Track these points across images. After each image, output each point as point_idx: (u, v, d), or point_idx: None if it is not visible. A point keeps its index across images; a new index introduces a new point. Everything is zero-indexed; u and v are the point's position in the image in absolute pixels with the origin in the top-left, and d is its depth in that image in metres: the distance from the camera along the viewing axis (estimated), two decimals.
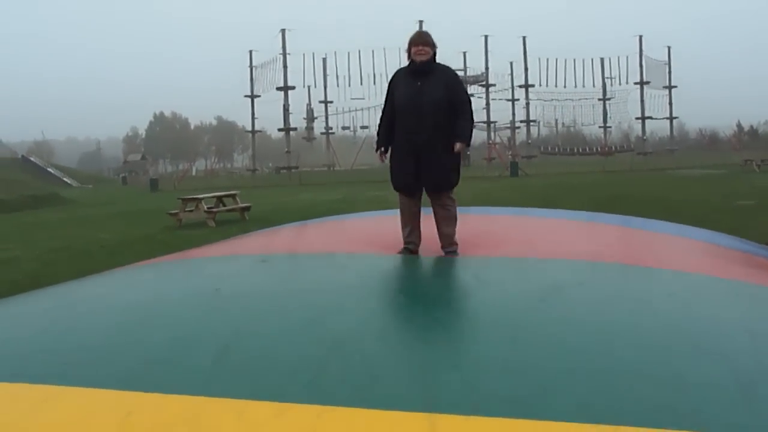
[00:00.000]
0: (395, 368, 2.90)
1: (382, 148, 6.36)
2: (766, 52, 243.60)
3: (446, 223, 6.17)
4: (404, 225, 6.26)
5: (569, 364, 2.83)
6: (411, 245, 6.19)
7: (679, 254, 6.58)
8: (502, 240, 6.75)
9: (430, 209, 6.24)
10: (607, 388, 2.62)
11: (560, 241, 6.93)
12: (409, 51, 6.21)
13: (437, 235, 6.20)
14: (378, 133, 6.44)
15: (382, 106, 6.43)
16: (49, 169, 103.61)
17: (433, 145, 6.01)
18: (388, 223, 6.44)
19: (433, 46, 6.20)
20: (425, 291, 4.83)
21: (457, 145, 6.09)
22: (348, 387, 2.67)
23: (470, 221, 6.99)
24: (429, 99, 6.01)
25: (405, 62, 6.33)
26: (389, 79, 6.47)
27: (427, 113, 5.99)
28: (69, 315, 4.25)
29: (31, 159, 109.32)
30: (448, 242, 6.13)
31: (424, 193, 6.24)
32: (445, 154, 6.08)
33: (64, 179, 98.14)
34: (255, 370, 2.84)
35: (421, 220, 6.24)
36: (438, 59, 6.24)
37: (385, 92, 6.42)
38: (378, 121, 6.53)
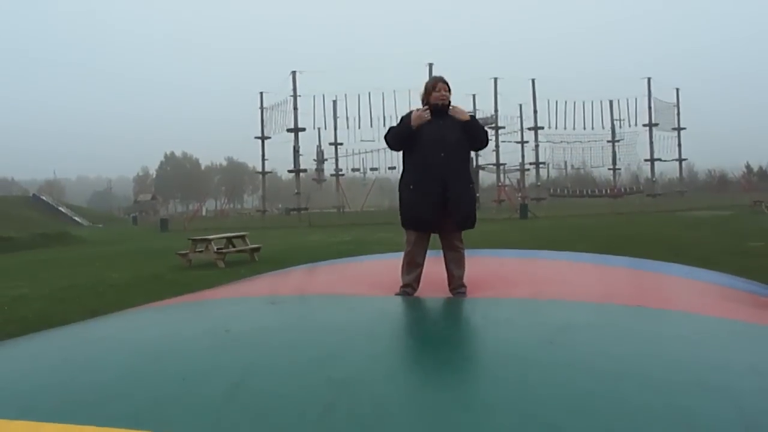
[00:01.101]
0: (404, 410, 2.90)
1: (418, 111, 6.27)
2: None
3: (457, 264, 6.20)
4: (409, 268, 6.24)
5: (579, 406, 2.83)
6: (409, 289, 6.19)
7: (688, 296, 6.57)
8: (511, 282, 6.75)
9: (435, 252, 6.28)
10: (613, 428, 2.62)
11: (569, 282, 6.93)
12: (428, 94, 6.29)
13: (445, 276, 6.22)
14: (391, 135, 6.40)
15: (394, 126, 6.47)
16: (60, 208, 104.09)
17: (457, 181, 6.10)
18: (396, 265, 6.44)
19: (450, 92, 6.33)
20: (435, 332, 4.81)
21: (466, 112, 6.35)
22: (356, 428, 2.67)
23: (480, 263, 7.01)
24: (453, 137, 6.14)
25: (415, 105, 6.40)
26: (402, 116, 6.48)
27: (452, 150, 6.11)
28: (80, 354, 4.26)
29: (42, 197, 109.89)
30: (459, 284, 6.15)
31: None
32: (469, 192, 6.18)
33: (75, 218, 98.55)
34: (264, 410, 2.84)
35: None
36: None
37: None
38: (387, 131, 6.48)
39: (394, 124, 6.56)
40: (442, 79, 6.40)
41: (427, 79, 6.61)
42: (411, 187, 6.23)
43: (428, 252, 6.32)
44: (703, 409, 2.81)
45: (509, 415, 2.76)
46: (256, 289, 7.65)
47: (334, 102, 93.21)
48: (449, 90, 6.33)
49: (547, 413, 2.77)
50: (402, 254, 6.39)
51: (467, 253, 6.33)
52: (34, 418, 2.92)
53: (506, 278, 7.01)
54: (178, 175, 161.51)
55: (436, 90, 6.28)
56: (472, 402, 2.95)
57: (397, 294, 6.12)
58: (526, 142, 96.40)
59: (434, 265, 6.31)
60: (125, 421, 2.78)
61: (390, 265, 7.08)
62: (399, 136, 6.32)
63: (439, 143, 6.08)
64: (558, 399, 2.92)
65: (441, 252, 6.31)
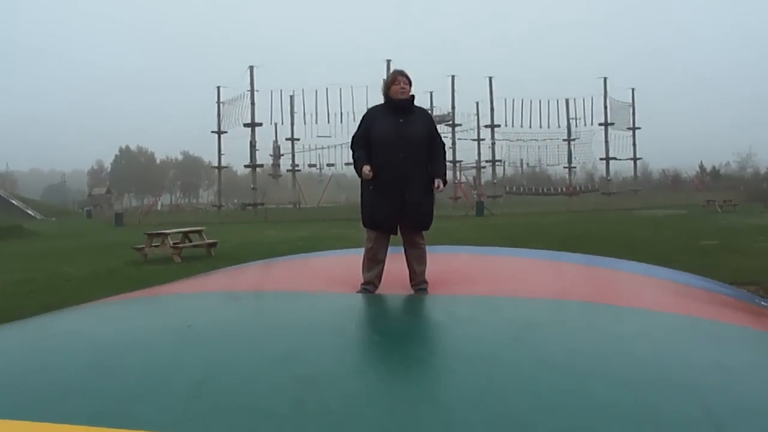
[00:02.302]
0: (371, 405, 2.90)
1: (368, 167, 6.07)
2: (729, 96, 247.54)
3: (418, 261, 6.19)
4: (370, 265, 6.22)
5: (544, 402, 2.85)
6: (371, 286, 6.17)
7: (645, 293, 6.63)
8: (469, 279, 6.79)
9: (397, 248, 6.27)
10: (582, 425, 2.64)
11: (527, 279, 6.98)
12: (388, 88, 6.22)
13: (407, 273, 6.21)
14: (355, 153, 6.25)
15: (355, 133, 6.34)
16: (12, 201, 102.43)
17: (416, 182, 6.04)
18: (355, 261, 6.43)
19: (411, 85, 6.25)
20: (398, 329, 4.82)
21: (440, 183, 6.14)
22: (324, 424, 2.66)
23: (437, 260, 7.01)
24: (412, 136, 6.05)
25: (373, 101, 6.31)
26: (363, 114, 6.44)
27: (411, 150, 6.02)
28: (36, 350, 4.18)
29: None
30: (420, 280, 6.15)
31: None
32: (427, 192, 6.12)
33: (28, 211, 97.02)
34: (229, 407, 2.82)
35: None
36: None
37: (351, 131, 6.35)
38: (350, 144, 6.40)
39: (353, 121, 6.48)
40: (402, 73, 6.30)
41: (385, 76, 6.52)
42: (370, 187, 6.17)
43: (390, 248, 6.31)
44: (669, 405, 2.84)
45: (477, 411, 2.77)
46: (215, 284, 7.61)
47: (291, 97, 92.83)
48: (410, 83, 6.25)
49: (515, 409, 2.79)
50: (362, 251, 6.37)
51: (427, 249, 6.32)
52: None
53: (466, 275, 7.04)
54: (133, 168, 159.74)
55: (395, 83, 6.19)
56: (438, 398, 2.96)
57: (358, 291, 6.10)
58: (483, 139, 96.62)
59: (396, 261, 6.30)
60: (85, 418, 2.74)
61: (349, 261, 7.07)
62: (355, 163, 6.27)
63: (398, 143, 6.01)
64: (525, 395, 2.94)
65: (402, 248, 6.29)
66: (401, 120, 6.11)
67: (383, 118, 6.19)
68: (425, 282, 6.14)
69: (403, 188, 6.02)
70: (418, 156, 6.08)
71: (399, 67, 6.48)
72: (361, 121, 6.36)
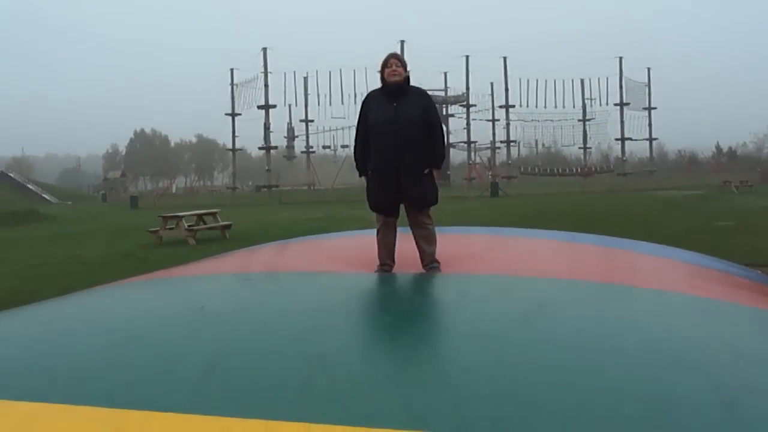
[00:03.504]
0: (382, 386, 2.90)
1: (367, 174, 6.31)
2: (745, 76, 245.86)
3: (426, 241, 6.18)
4: (381, 246, 6.25)
5: (555, 382, 2.85)
6: (387, 267, 6.20)
7: (660, 274, 6.61)
8: (483, 259, 6.78)
9: (407, 229, 6.26)
10: (593, 406, 2.63)
11: (540, 260, 6.96)
12: (382, 72, 6.23)
13: (417, 254, 6.21)
14: (356, 158, 6.40)
15: (356, 129, 6.42)
16: (29, 186, 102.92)
17: (412, 163, 6.03)
18: (369, 242, 6.44)
19: (405, 67, 6.23)
20: (410, 309, 4.81)
21: (434, 171, 6.16)
22: (335, 404, 2.66)
23: (451, 241, 7.01)
24: (407, 119, 6.02)
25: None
26: (362, 101, 6.46)
27: (406, 133, 6.01)
28: (52, 332, 4.21)
29: (10, 175, 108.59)
30: (431, 260, 6.14)
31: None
32: (424, 173, 6.11)
33: (44, 195, 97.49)
34: (242, 388, 2.83)
35: (398, 240, 6.26)
36: (419, 79, 6.27)
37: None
38: (353, 144, 6.50)
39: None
40: (394, 55, 6.30)
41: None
42: (369, 173, 6.25)
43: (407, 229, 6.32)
44: (679, 385, 2.83)
45: (488, 391, 2.77)
46: (229, 266, 7.62)
47: (305, 79, 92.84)
48: (403, 66, 6.23)
49: (525, 389, 2.79)
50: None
51: (439, 230, 6.32)
52: (6, 397, 2.89)
53: (480, 255, 7.03)
54: (148, 152, 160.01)
55: (388, 66, 6.17)
56: (449, 378, 2.96)
57: (375, 272, 6.13)
58: (497, 120, 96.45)
59: (413, 241, 6.31)
60: (101, 400, 2.75)
61: (364, 241, 7.09)
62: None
63: (393, 127, 6.01)
64: (536, 375, 2.94)
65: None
66: (395, 104, 6.10)
67: (378, 103, 6.21)
68: (436, 261, 6.14)
69: (399, 171, 6.03)
70: (414, 138, 6.05)
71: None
72: (361, 110, 6.39)
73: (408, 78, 6.26)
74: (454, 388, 2.81)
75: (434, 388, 2.81)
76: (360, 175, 6.46)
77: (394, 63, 6.17)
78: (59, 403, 2.78)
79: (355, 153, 6.44)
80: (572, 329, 3.81)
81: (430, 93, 6.40)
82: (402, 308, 4.84)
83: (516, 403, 2.66)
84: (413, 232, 6.25)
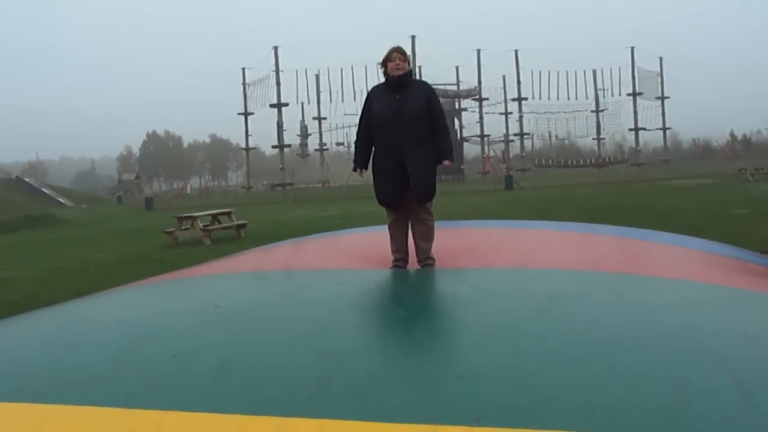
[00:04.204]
0: (397, 380, 2.90)
1: (362, 168, 6.40)
2: (759, 63, 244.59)
3: (424, 237, 6.19)
4: (394, 239, 6.27)
5: (571, 373, 2.83)
6: (401, 262, 6.21)
7: (676, 263, 6.59)
8: (498, 252, 6.77)
9: None
10: (609, 396, 2.62)
11: (557, 251, 6.95)
12: (384, 66, 6.24)
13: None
14: (355, 152, 6.48)
15: (359, 121, 6.47)
16: (44, 189, 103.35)
17: (415, 156, 6.04)
18: (383, 237, 6.44)
19: (408, 61, 6.25)
20: (424, 303, 4.82)
21: (446, 162, 6.16)
22: (350, 400, 2.66)
23: (466, 234, 7.02)
24: (409, 111, 6.04)
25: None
26: (366, 94, 6.49)
27: (408, 126, 6.02)
28: (69, 334, 4.23)
29: (26, 179, 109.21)
30: (425, 256, 6.16)
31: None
32: (428, 166, 6.11)
33: (59, 199, 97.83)
34: (256, 386, 2.84)
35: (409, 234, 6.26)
36: (431, 74, 6.28)
37: None
38: (355, 138, 6.52)
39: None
40: (397, 49, 6.30)
41: (410, 52, 6.52)
42: (374, 167, 6.29)
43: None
44: (696, 375, 2.81)
45: (503, 384, 2.76)
46: (244, 264, 7.63)
47: (317, 76, 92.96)
48: (406, 60, 6.24)
49: (540, 381, 2.77)
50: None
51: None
52: (24, 399, 2.90)
53: (495, 248, 7.03)
54: (162, 153, 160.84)
55: (391, 60, 6.19)
56: (465, 371, 2.95)
57: (390, 267, 6.13)
58: (510, 113, 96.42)
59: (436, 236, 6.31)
60: (117, 401, 2.76)
61: (378, 238, 7.07)
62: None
63: (396, 121, 6.03)
64: (550, 367, 2.92)
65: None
66: (398, 96, 6.11)
67: (381, 96, 6.23)
68: (431, 258, 6.14)
69: (403, 164, 6.04)
70: (417, 131, 6.07)
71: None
72: (364, 103, 6.43)
73: (411, 71, 6.27)
74: (469, 381, 2.80)
75: (450, 382, 2.80)
76: (354, 169, 6.51)
77: (397, 57, 6.18)
78: (76, 404, 2.78)
79: (355, 147, 6.52)
80: (590, 320, 3.80)
81: (442, 88, 6.40)
82: (417, 303, 4.82)
83: (532, 394, 2.65)
84: (412, 227, 6.25)
